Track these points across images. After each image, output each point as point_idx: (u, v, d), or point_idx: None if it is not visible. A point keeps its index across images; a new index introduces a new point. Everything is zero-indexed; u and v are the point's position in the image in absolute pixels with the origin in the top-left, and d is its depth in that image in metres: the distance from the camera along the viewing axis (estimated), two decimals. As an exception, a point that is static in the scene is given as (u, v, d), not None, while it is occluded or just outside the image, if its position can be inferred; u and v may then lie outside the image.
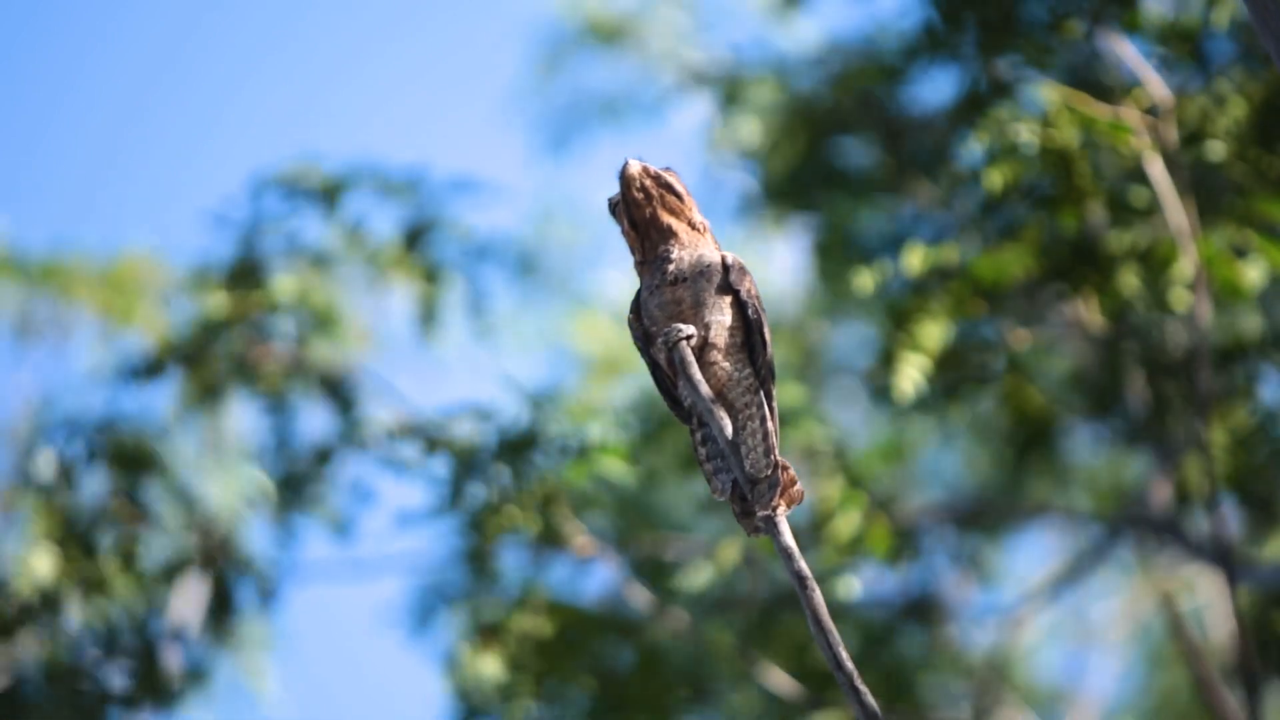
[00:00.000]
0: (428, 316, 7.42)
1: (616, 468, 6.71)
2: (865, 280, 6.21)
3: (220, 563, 7.47)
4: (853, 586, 6.79)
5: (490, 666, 6.87)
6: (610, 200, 3.93)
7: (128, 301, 8.12)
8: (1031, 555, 10.69)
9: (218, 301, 7.26)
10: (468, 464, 6.78)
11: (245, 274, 7.28)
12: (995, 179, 6.10)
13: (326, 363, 7.47)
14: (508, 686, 6.91)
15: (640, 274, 3.91)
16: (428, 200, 7.31)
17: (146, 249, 8.31)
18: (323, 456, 7.37)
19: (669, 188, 3.90)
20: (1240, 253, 6.17)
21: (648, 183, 3.89)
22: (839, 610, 7.91)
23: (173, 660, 7.46)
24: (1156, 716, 10.91)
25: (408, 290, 7.54)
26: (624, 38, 9.50)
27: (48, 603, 7.17)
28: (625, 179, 3.89)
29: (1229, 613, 6.61)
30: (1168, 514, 7.76)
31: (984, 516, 8.79)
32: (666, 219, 3.88)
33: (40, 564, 7.11)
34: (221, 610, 7.51)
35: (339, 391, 7.45)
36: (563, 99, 9.57)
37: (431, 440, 6.85)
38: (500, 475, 6.74)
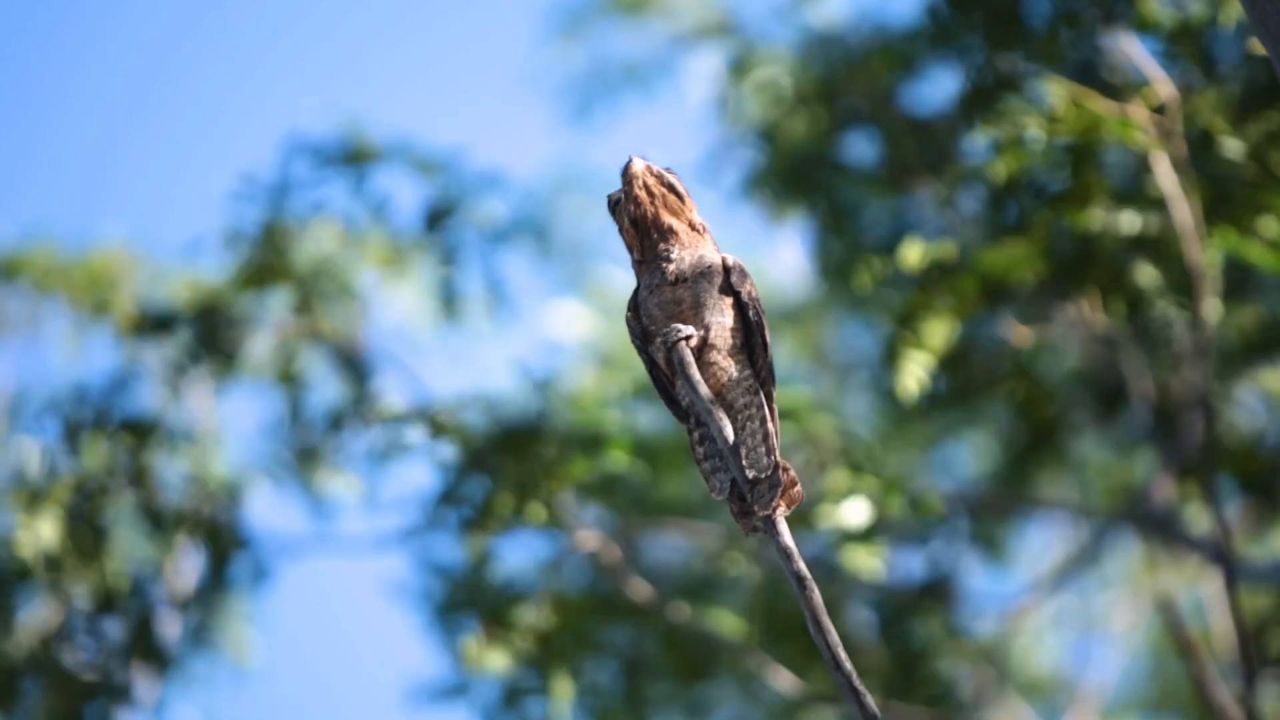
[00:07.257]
0: (447, 299, 7.37)
1: (621, 461, 6.70)
2: (865, 278, 6.21)
3: (219, 533, 7.44)
4: (877, 567, 6.75)
5: (497, 661, 6.85)
6: (611, 198, 3.93)
7: (102, 293, 8.08)
8: (1036, 548, 10.69)
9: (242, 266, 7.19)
10: (472, 453, 6.75)
11: (272, 238, 7.23)
12: (1000, 170, 6.09)
13: (341, 333, 7.44)
14: (531, 680, 6.88)
15: (638, 273, 3.91)
16: (454, 183, 7.27)
17: (121, 241, 8.26)
18: (336, 422, 7.34)
19: (671, 188, 3.90)
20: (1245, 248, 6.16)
21: (650, 181, 3.89)
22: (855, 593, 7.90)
23: (169, 626, 7.46)
24: (1155, 711, 10.91)
25: (424, 274, 7.50)
26: (647, 7, 9.39)
27: (51, 567, 7.15)
28: (628, 177, 3.88)
29: (1228, 608, 6.60)
30: (1169, 510, 7.76)
31: (991, 507, 8.79)
32: (667, 219, 3.87)
33: (44, 530, 7.09)
34: (216, 580, 7.50)
35: (354, 363, 7.42)
36: (584, 67, 9.45)
37: (437, 426, 6.82)
38: (503, 466, 6.71)
